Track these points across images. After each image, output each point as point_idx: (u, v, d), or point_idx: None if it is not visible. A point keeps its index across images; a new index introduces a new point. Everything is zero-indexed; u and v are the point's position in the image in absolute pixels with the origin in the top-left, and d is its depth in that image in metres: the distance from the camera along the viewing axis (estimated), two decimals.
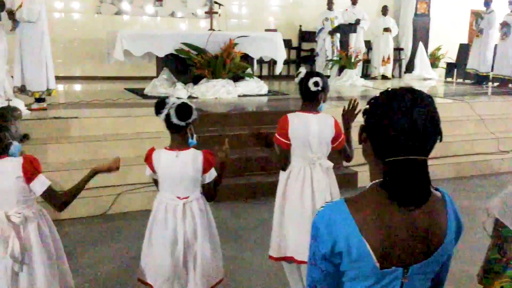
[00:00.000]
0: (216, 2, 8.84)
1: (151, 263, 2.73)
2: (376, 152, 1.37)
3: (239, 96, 7.99)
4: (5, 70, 5.81)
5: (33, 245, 2.49)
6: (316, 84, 3.01)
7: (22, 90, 6.13)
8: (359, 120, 1.45)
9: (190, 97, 7.61)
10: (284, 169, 3.15)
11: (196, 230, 2.70)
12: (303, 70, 3.12)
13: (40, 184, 2.48)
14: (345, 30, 10.63)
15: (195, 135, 2.74)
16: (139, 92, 8.09)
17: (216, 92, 7.77)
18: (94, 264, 3.99)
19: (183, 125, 2.63)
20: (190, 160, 2.68)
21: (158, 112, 2.65)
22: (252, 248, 4.26)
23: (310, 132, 3.06)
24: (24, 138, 2.56)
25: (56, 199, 2.55)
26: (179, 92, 7.57)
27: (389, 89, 1.38)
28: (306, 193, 3.09)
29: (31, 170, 2.45)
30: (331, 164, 3.18)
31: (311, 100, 3.10)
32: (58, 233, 2.71)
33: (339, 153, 3.21)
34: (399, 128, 1.29)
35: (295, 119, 3.09)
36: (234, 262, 3.98)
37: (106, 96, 7.64)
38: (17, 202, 2.45)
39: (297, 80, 3.09)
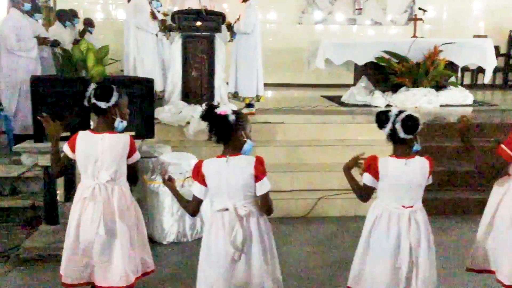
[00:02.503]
0: (420, 8, 8.56)
1: (367, 271, 2.72)
2: None
3: (441, 105, 7.61)
4: (222, 77, 6.44)
5: (253, 237, 2.62)
6: None
7: (235, 96, 6.72)
8: None
9: (388, 105, 7.50)
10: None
11: (420, 240, 2.65)
12: None
13: (265, 185, 2.61)
14: None
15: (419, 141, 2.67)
16: (336, 100, 8.22)
17: (416, 101, 7.51)
18: (297, 262, 4.18)
19: (409, 138, 2.61)
20: (418, 167, 2.64)
21: (381, 126, 2.65)
22: (458, 266, 4.04)
23: None
24: None
25: (270, 203, 2.65)
26: (377, 101, 7.53)
27: None
28: None
29: (261, 171, 2.60)
30: None
31: None
32: None
33: None
34: None
35: None
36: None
37: (304, 103, 7.90)
38: (244, 196, 2.60)
39: None
